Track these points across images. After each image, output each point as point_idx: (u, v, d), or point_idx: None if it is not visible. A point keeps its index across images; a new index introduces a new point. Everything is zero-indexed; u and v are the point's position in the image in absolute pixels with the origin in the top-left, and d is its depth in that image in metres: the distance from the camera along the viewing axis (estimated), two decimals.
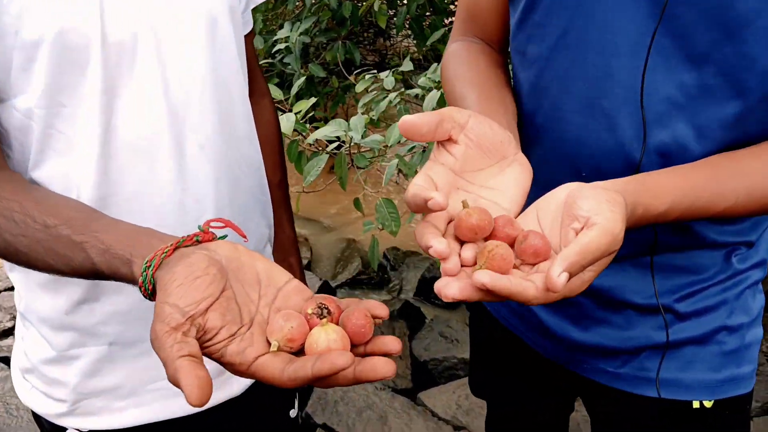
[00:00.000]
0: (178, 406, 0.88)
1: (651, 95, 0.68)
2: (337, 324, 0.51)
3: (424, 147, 1.81)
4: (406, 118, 0.56)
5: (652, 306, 0.79)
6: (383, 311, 0.52)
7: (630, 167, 0.72)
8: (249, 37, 0.96)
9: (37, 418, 0.92)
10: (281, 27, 3.19)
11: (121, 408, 0.86)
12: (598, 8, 0.69)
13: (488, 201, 0.59)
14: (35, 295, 0.82)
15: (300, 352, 0.50)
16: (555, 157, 0.78)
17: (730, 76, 0.65)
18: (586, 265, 0.51)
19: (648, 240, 0.76)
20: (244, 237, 0.63)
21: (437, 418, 2.03)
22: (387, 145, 1.71)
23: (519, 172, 0.61)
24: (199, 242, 0.55)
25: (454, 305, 2.73)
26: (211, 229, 0.57)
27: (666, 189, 0.61)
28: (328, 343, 0.48)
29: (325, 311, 0.50)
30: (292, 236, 1.11)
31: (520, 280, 0.51)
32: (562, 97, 0.75)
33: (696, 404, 0.81)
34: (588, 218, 0.53)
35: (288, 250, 1.10)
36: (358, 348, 0.51)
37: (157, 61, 0.76)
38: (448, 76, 0.85)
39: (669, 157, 0.70)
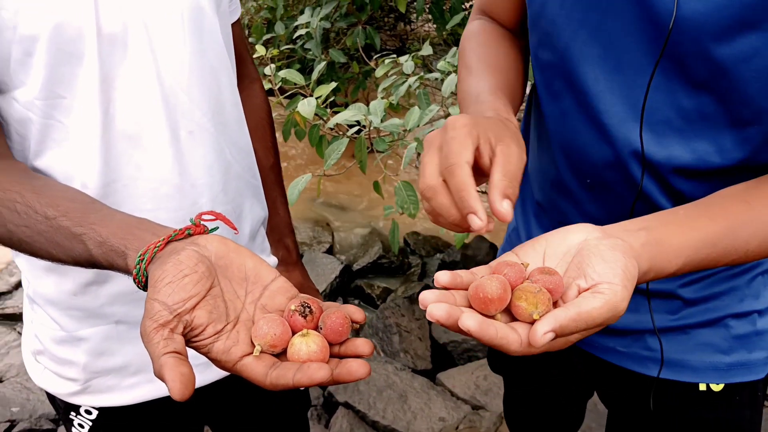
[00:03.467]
0: None
1: (650, 115, 0.69)
2: (317, 324, 0.54)
3: None
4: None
5: (658, 291, 0.80)
6: (360, 316, 0.55)
7: (630, 182, 0.72)
8: (237, 25, 0.98)
9: (51, 398, 0.95)
10: (302, 13, 3.21)
11: (133, 384, 0.89)
12: (604, 26, 0.69)
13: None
14: (42, 278, 0.85)
15: (281, 353, 0.53)
16: (563, 160, 0.79)
17: (727, 107, 0.65)
18: (576, 331, 0.50)
19: None
20: (235, 229, 0.66)
21: (456, 397, 2.06)
22: (406, 129, 1.73)
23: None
24: (190, 235, 0.57)
25: None
26: (202, 222, 0.59)
27: (680, 249, 0.59)
28: (309, 355, 0.51)
29: (307, 310, 0.54)
30: (287, 218, 1.14)
31: (506, 330, 0.50)
32: (569, 106, 0.75)
33: (702, 387, 0.82)
34: (597, 284, 0.51)
35: (283, 231, 1.13)
36: (334, 347, 0.54)
37: (149, 51, 0.78)
38: (463, 54, 0.87)
39: (667, 179, 0.71)
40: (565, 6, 0.71)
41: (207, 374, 0.92)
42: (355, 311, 0.55)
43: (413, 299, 2.51)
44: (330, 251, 3.07)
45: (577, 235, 0.56)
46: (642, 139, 0.69)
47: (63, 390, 0.90)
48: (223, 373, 0.94)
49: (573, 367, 0.98)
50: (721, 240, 0.61)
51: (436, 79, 2.09)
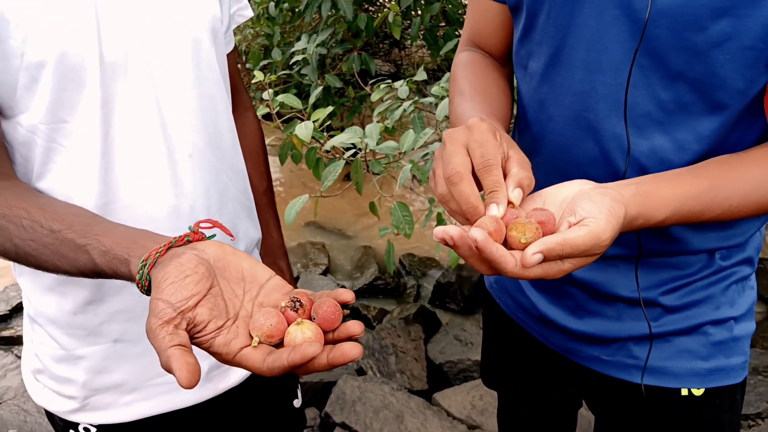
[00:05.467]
0: (181, 399, 0.93)
1: (632, 109, 0.74)
2: (310, 314, 0.57)
3: None
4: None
5: (641, 299, 0.84)
6: (349, 296, 0.58)
7: (614, 176, 0.77)
8: (231, 56, 1.02)
9: (50, 417, 0.97)
10: (299, 39, 3.27)
11: (129, 402, 0.91)
12: (585, 29, 0.74)
13: None
14: (43, 298, 0.87)
15: (280, 345, 0.56)
16: (549, 164, 0.83)
17: (702, 94, 0.70)
18: (563, 255, 0.56)
19: (635, 246, 0.81)
20: (231, 236, 0.69)
21: (452, 417, 2.07)
22: (401, 152, 1.76)
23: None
24: (189, 242, 0.60)
25: (468, 310, 2.78)
26: (200, 230, 0.63)
27: (666, 200, 0.66)
28: (303, 339, 0.54)
29: (297, 304, 0.57)
30: (280, 240, 1.17)
31: (504, 252, 0.56)
32: (555, 109, 0.80)
33: (684, 392, 0.85)
34: (584, 218, 0.59)
35: (276, 254, 1.16)
36: (328, 334, 0.57)
37: (149, 78, 0.81)
38: (455, 82, 0.92)
39: (649, 168, 0.75)
40: (552, 15, 0.77)
41: (202, 392, 0.95)
42: (344, 293, 0.58)
43: (409, 320, 2.53)
44: (326, 273, 3.10)
45: (573, 186, 0.65)
46: (628, 134, 0.74)
47: (62, 408, 0.92)
48: (216, 390, 0.96)
49: (563, 378, 1.01)
50: (704, 194, 0.67)
51: (431, 103, 2.14)
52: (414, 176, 1.83)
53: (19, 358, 2.47)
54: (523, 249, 0.57)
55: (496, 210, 0.59)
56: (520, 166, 0.63)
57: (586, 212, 0.59)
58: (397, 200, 1.66)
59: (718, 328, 0.84)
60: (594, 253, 0.59)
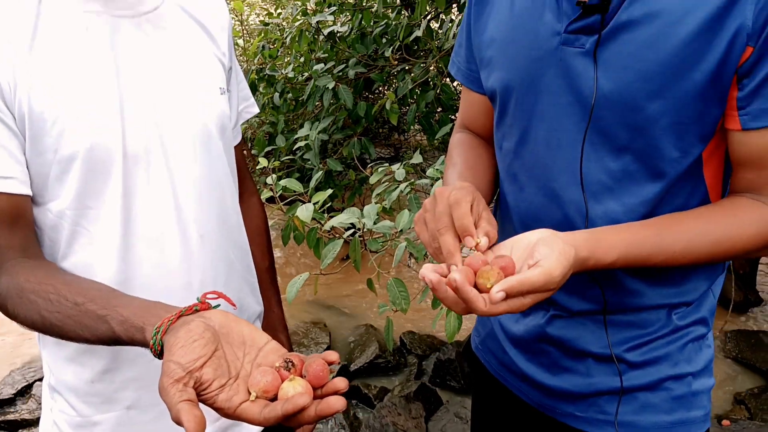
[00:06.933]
0: None
1: (587, 179, 0.84)
2: (301, 371, 0.65)
3: None
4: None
5: (608, 355, 0.91)
6: (335, 356, 0.67)
7: None
8: (239, 147, 1.14)
9: None
10: (301, 126, 3.44)
11: None
12: (546, 113, 0.87)
13: None
14: (63, 368, 0.94)
15: (274, 399, 0.64)
16: (522, 227, 0.93)
17: (645, 163, 0.81)
18: (523, 291, 0.68)
19: (599, 299, 0.89)
20: (234, 305, 0.78)
21: None
22: (398, 230, 1.86)
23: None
24: (197, 311, 0.69)
25: (469, 388, 2.79)
26: (207, 300, 0.72)
27: (615, 244, 0.77)
28: (295, 393, 0.62)
29: (290, 364, 0.65)
30: (281, 315, 1.25)
31: (477, 294, 0.68)
32: (525, 180, 0.92)
33: None
34: (539, 260, 0.70)
35: (277, 328, 1.24)
36: (317, 390, 0.64)
37: (166, 167, 0.92)
38: (450, 157, 1.07)
39: None
40: (518, 103, 0.90)
41: None
42: (330, 354, 0.67)
43: (410, 398, 2.54)
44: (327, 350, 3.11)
45: (534, 234, 0.76)
46: (585, 200, 0.85)
47: None
48: None
49: None
50: (649, 239, 0.78)
51: (426, 184, 2.26)
52: (411, 254, 1.91)
53: None
54: (488, 291, 0.68)
55: (457, 274, 0.68)
56: (488, 221, 0.78)
57: (541, 255, 0.71)
58: (394, 277, 1.74)
59: (677, 383, 0.91)
60: (549, 288, 0.70)
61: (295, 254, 4.07)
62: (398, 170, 2.34)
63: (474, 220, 0.77)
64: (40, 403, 2.67)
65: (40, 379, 2.86)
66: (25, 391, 2.84)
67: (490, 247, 0.77)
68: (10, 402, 2.79)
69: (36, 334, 0.92)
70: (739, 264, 3.42)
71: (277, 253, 3.89)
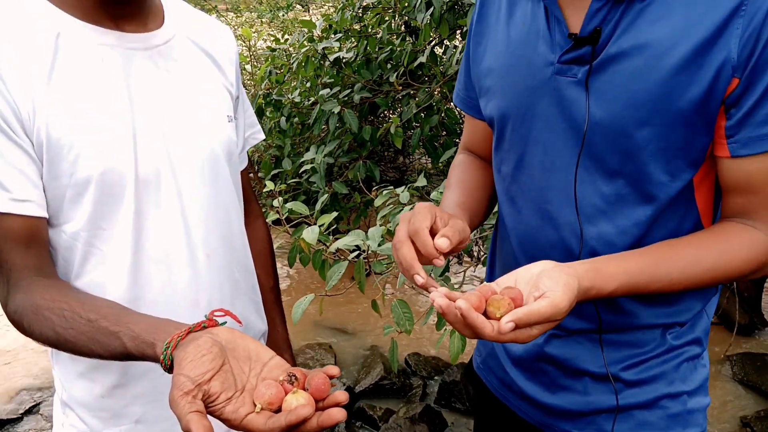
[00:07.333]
0: None
1: (581, 201, 0.88)
2: (304, 385, 0.69)
3: None
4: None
5: (604, 374, 0.93)
6: (336, 371, 0.70)
7: (571, 257, 0.90)
8: (245, 172, 1.19)
9: None
10: (308, 150, 3.49)
11: None
12: (541, 139, 0.90)
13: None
14: (75, 383, 0.97)
15: (279, 411, 0.67)
16: (519, 249, 0.97)
17: (636, 187, 0.85)
18: (530, 322, 0.71)
19: (594, 318, 0.92)
20: (239, 322, 0.82)
21: None
22: None
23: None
24: (205, 328, 0.72)
25: (473, 411, 2.78)
26: (214, 317, 0.75)
27: (614, 274, 0.80)
28: (297, 405, 0.65)
29: (293, 377, 0.68)
30: (285, 334, 1.29)
31: (484, 320, 0.71)
32: (522, 203, 0.96)
33: None
34: (544, 292, 0.73)
35: (281, 347, 1.27)
36: (318, 403, 0.67)
37: (175, 191, 0.96)
38: (451, 176, 1.11)
39: (598, 250, 0.88)
40: (515, 128, 0.94)
41: None
42: (331, 368, 0.70)
43: (414, 420, 2.55)
44: None
45: (537, 266, 0.79)
46: (580, 222, 0.88)
47: None
48: None
49: None
50: (648, 268, 0.80)
51: None
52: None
53: None
54: (498, 319, 0.72)
55: (462, 302, 0.71)
56: (451, 225, 0.84)
57: (547, 287, 0.73)
58: (398, 298, 1.76)
59: (673, 402, 0.93)
60: (556, 319, 0.73)
61: (300, 275, 4.09)
62: (403, 193, 2.37)
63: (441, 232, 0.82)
64: (48, 421, 2.69)
65: (46, 401, 2.89)
66: (32, 410, 2.86)
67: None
68: (17, 421, 2.81)
69: (49, 350, 0.95)
70: (744, 286, 3.42)
71: (282, 275, 3.91)
